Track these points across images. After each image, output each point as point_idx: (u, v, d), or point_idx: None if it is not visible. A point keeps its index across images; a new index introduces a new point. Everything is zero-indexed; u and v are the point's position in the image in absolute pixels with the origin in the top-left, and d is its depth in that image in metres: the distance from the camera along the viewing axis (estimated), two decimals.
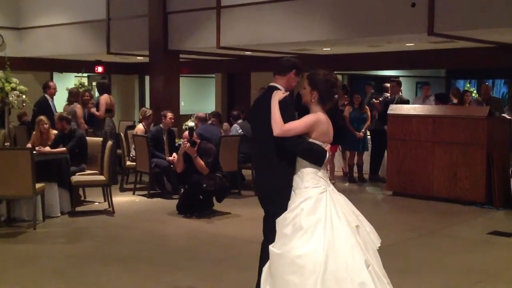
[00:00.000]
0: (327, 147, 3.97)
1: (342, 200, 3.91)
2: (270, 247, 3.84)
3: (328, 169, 10.54)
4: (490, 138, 8.55)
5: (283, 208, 3.89)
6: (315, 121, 3.93)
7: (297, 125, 3.90)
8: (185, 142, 7.72)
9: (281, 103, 3.96)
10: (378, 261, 3.81)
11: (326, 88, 3.97)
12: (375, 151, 10.91)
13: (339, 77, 16.33)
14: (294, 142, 3.92)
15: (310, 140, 3.94)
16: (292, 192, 3.94)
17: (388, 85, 11.35)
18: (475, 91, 15.03)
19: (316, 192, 3.83)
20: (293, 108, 4.07)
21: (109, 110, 10.66)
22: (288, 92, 4.10)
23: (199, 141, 7.83)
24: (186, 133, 7.90)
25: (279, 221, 3.87)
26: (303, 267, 3.63)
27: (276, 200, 4.00)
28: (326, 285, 3.57)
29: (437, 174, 8.96)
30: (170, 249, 6.46)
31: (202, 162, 7.74)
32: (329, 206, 3.79)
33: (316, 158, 3.92)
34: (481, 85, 18.59)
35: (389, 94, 11.41)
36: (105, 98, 10.60)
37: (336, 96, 4.08)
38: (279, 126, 3.88)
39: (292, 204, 3.87)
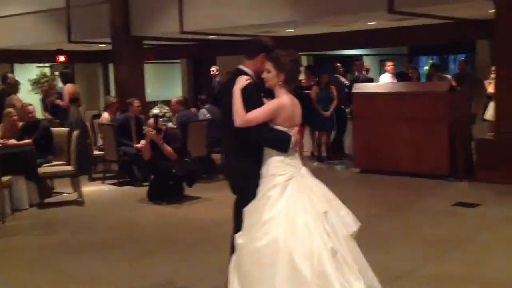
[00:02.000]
0: (293, 131, 3.84)
1: (313, 185, 3.82)
2: (236, 236, 3.79)
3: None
4: (451, 112, 8.74)
5: (250, 196, 3.80)
6: (278, 107, 3.78)
7: (258, 114, 3.75)
8: (151, 130, 7.73)
9: (244, 90, 3.79)
10: (351, 247, 3.71)
11: (292, 68, 3.83)
12: (337, 130, 11.08)
13: (304, 58, 16.44)
14: (256, 131, 3.77)
15: (275, 126, 3.81)
16: (260, 181, 3.84)
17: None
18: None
19: (281, 180, 3.73)
20: (257, 94, 3.85)
21: (75, 100, 10.54)
22: (250, 78, 3.86)
23: (164, 127, 7.83)
24: (151, 120, 7.89)
25: (246, 211, 3.79)
26: (261, 258, 3.56)
27: (242, 188, 3.94)
28: (283, 276, 3.49)
29: (402, 150, 9.13)
30: (142, 235, 6.48)
31: (169, 148, 7.76)
32: (294, 193, 3.69)
33: (280, 145, 3.80)
34: (442, 61, 19.00)
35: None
36: (68, 87, 10.47)
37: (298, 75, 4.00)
38: (240, 117, 3.74)
39: (259, 193, 3.79)
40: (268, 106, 3.80)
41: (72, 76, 11.18)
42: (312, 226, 3.60)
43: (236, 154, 3.98)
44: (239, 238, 3.75)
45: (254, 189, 3.81)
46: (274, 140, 3.81)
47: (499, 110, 8.57)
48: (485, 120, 10.73)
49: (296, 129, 3.88)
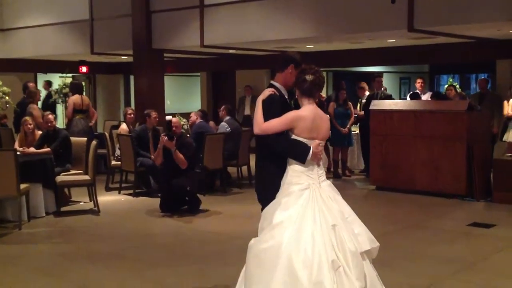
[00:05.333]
0: (313, 143, 3.90)
1: (328, 198, 3.86)
2: (252, 239, 3.93)
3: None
4: (470, 132, 8.68)
5: (269, 201, 3.95)
6: (295, 117, 3.91)
7: (274, 123, 3.90)
8: (163, 136, 7.84)
9: (265, 101, 4.00)
10: (357, 263, 3.68)
11: (302, 81, 3.97)
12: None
13: (323, 74, 16.45)
14: (274, 140, 3.94)
15: (293, 136, 3.93)
16: (280, 188, 3.96)
17: (365, 84, 11.60)
18: (458, 86, 15.22)
19: (296, 189, 3.84)
20: (278, 106, 4.01)
21: (80, 111, 10.68)
22: (275, 91, 4.07)
23: (180, 133, 7.94)
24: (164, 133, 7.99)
25: (263, 215, 3.95)
26: (263, 261, 3.66)
27: (263, 195, 4.10)
28: (281, 280, 3.57)
29: (419, 168, 9.09)
30: (154, 246, 6.52)
31: (181, 156, 7.85)
32: (307, 203, 3.77)
33: (296, 155, 3.91)
34: (463, 80, 18.87)
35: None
36: (73, 99, 10.65)
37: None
38: (258, 125, 3.95)
39: (276, 199, 3.91)
40: (285, 116, 3.92)
41: (81, 87, 11.33)
42: (318, 237, 3.65)
43: (259, 160, 4.19)
44: (252, 240, 3.87)
45: (272, 195, 3.95)
46: (290, 149, 3.95)
47: None
48: (504, 141, 10.62)
49: (317, 141, 3.94)
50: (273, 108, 3.98)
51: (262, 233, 3.83)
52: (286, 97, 4.19)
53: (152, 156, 9.18)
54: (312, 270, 3.55)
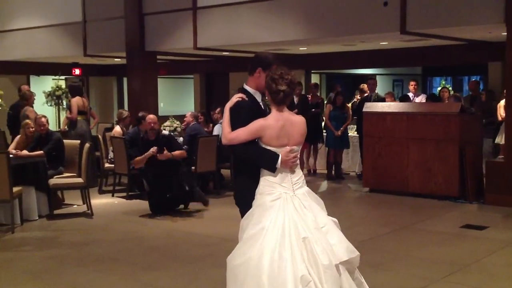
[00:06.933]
0: (283, 151, 3.73)
1: (302, 208, 3.71)
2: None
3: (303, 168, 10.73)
4: (462, 134, 8.73)
5: (245, 211, 3.87)
6: (261, 126, 3.74)
7: (241, 133, 3.75)
8: (154, 151, 8.04)
9: (232, 109, 3.84)
10: (332, 276, 3.54)
11: (271, 87, 3.76)
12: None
13: (317, 76, 16.48)
14: (241, 149, 3.80)
15: (263, 145, 3.79)
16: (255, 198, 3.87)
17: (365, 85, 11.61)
18: (450, 88, 15.29)
19: (267, 200, 3.73)
20: (247, 112, 3.82)
21: (82, 112, 10.66)
22: (243, 97, 3.87)
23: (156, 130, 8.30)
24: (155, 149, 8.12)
25: (240, 226, 3.86)
26: (236, 277, 3.62)
27: (238, 203, 4.04)
28: None
29: (412, 170, 9.12)
30: (147, 249, 6.51)
31: (177, 153, 8.13)
32: (276, 215, 3.66)
33: (264, 164, 3.79)
34: (456, 82, 18.95)
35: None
36: (76, 100, 10.64)
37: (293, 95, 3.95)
38: (225, 135, 3.81)
39: (251, 209, 3.82)
40: (251, 125, 3.75)
41: (80, 89, 11.31)
42: (285, 251, 3.55)
43: (235, 169, 4.14)
44: (231, 253, 3.82)
45: (247, 205, 3.87)
46: (258, 159, 3.81)
47: (509, 133, 8.52)
48: (497, 143, 10.68)
49: (288, 148, 3.76)
50: (241, 116, 3.80)
51: (236, 248, 3.77)
52: (259, 100, 3.99)
53: None
54: (277, 287, 3.47)
